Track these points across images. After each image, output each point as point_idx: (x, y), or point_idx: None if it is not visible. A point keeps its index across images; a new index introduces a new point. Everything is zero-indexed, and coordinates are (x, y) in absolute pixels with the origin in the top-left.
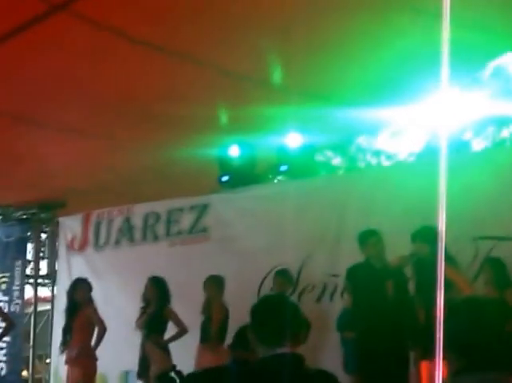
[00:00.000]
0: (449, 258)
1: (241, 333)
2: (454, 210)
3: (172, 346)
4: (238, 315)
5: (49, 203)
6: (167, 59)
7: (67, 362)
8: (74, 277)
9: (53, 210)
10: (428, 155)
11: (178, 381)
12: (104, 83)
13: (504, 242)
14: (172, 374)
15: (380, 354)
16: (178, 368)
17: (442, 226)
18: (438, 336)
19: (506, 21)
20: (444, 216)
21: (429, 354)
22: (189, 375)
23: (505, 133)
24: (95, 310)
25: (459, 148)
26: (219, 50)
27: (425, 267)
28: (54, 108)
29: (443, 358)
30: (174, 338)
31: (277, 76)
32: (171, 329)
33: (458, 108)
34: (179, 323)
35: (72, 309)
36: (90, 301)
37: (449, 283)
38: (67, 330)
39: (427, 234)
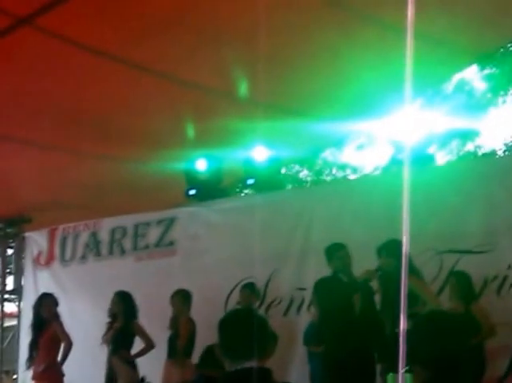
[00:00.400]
0: (415, 272)
1: (208, 352)
2: (418, 223)
3: (140, 361)
4: (205, 330)
5: (15, 219)
6: (132, 72)
7: (34, 378)
8: (40, 292)
9: (19, 225)
10: (393, 168)
11: None
12: (69, 97)
13: (468, 255)
14: None
15: (346, 368)
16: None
17: (406, 239)
18: (401, 349)
19: (468, 35)
20: (408, 230)
21: (395, 367)
22: None
23: (469, 146)
24: (61, 325)
25: (424, 161)
26: (185, 63)
27: (391, 281)
28: (17, 122)
29: (410, 371)
30: (141, 353)
31: (243, 89)
32: (138, 345)
33: (423, 121)
34: (145, 338)
35: (38, 325)
36: (56, 316)
37: (415, 296)
38: (33, 346)
39: (392, 248)
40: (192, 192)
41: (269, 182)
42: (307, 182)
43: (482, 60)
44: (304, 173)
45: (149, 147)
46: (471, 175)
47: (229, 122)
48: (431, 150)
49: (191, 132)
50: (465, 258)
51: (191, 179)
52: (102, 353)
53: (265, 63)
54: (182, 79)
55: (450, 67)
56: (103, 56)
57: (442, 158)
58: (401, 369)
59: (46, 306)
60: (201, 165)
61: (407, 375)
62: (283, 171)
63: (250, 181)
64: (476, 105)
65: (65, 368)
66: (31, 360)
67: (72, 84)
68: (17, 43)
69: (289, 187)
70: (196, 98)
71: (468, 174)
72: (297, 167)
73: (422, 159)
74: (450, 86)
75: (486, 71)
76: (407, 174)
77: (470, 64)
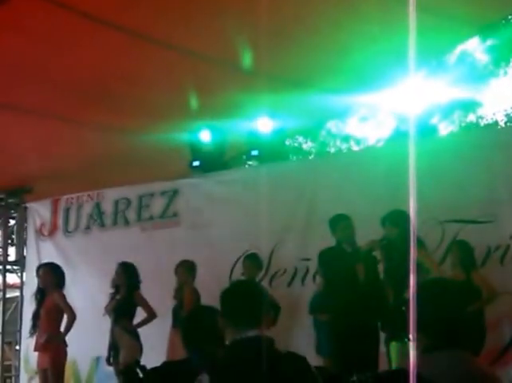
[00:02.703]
0: (418, 241)
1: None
2: (421, 193)
3: (146, 331)
4: (210, 301)
5: (16, 189)
6: (136, 42)
7: (36, 349)
8: None
9: (21, 195)
10: (397, 140)
11: (141, 375)
12: (69, 66)
13: (471, 225)
14: (137, 369)
15: (351, 335)
16: (150, 353)
17: (412, 209)
18: (411, 316)
19: (471, 7)
20: (414, 200)
21: (398, 335)
22: (152, 369)
23: (471, 117)
24: (63, 297)
25: (427, 132)
26: (190, 34)
27: (395, 250)
28: (17, 90)
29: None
30: (142, 323)
31: (247, 60)
32: (141, 315)
33: (426, 92)
34: (147, 308)
35: (39, 295)
36: (57, 286)
37: (419, 265)
38: (36, 316)
39: (396, 218)
40: (196, 164)
41: (273, 153)
42: (311, 153)
43: (484, 31)
44: (308, 145)
45: (152, 118)
46: (473, 146)
47: (233, 93)
48: (434, 121)
49: (194, 103)
50: (467, 227)
51: (195, 151)
52: (106, 324)
53: (268, 34)
54: (187, 50)
55: (452, 38)
56: (106, 26)
57: (444, 129)
58: (412, 336)
59: (43, 276)
60: (205, 137)
61: (410, 343)
62: (287, 142)
63: (254, 153)
64: (478, 76)
65: (69, 338)
66: (34, 328)
67: (73, 52)
68: (16, 11)
69: (293, 158)
70: (201, 69)
71: (470, 144)
72: (300, 139)
73: (425, 130)
74: (452, 57)
75: (488, 42)
76: (411, 145)
77: (473, 35)
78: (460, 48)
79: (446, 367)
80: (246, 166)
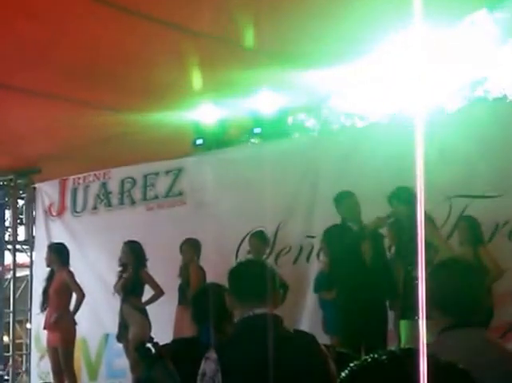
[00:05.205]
0: (426, 217)
1: None
2: (428, 169)
3: (153, 309)
4: (216, 279)
5: (24, 170)
6: (138, 22)
7: (46, 327)
8: None
9: (29, 176)
10: (402, 116)
11: (154, 351)
12: (76, 48)
13: (479, 200)
14: (149, 345)
15: (358, 314)
16: (157, 330)
17: (420, 186)
18: (421, 295)
19: None
20: (422, 176)
21: (408, 313)
22: (163, 345)
23: (479, 92)
24: (72, 275)
25: (434, 108)
26: (188, 11)
27: (403, 228)
28: (22, 71)
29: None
30: (150, 301)
31: (249, 37)
32: (149, 293)
33: (432, 67)
34: (154, 286)
35: (49, 274)
36: (64, 265)
37: (427, 243)
38: (45, 293)
39: (403, 195)
40: (199, 142)
41: (275, 131)
42: (314, 131)
43: (492, 3)
44: (311, 122)
45: (156, 97)
46: (482, 121)
47: (235, 71)
48: (441, 97)
49: (197, 81)
50: (475, 202)
51: (198, 130)
52: (115, 302)
53: (270, 10)
54: (187, 28)
55: (460, 11)
56: (108, 5)
57: (452, 104)
58: (422, 314)
59: (50, 256)
60: (208, 115)
61: (419, 321)
62: (290, 120)
63: (257, 130)
64: (486, 50)
65: (79, 316)
66: (44, 305)
67: (79, 35)
68: None
69: (296, 136)
70: (202, 47)
71: (478, 119)
72: (303, 116)
73: (432, 106)
74: (459, 30)
75: (496, 15)
76: (419, 121)
77: (481, 7)
78: (468, 20)
79: (467, 344)
80: (249, 144)
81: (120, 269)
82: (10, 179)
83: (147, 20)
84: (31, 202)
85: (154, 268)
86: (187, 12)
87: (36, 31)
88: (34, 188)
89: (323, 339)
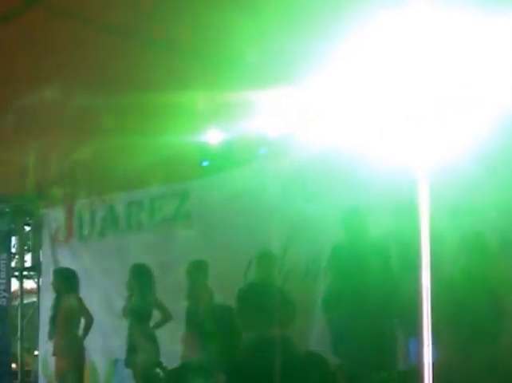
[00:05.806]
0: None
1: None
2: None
3: (158, 332)
4: (224, 300)
5: (31, 195)
6: (136, 45)
7: (54, 354)
8: None
9: (36, 202)
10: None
11: (162, 375)
12: (78, 72)
13: (484, 216)
14: (158, 370)
15: (366, 334)
16: (166, 352)
17: (424, 202)
18: (426, 312)
19: None
20: (427, 192)
21: (416, 332)
22: (171, 369)
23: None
24: (80, 300)
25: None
26: (187, 35)
27: (409, 244)
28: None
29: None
30: (159, 325)
31: (252, 59)
32: (157, 317)
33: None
34: (163, 310)
35: (56, 300)
36: (72, 290)
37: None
38: (53, 320)
39: (408, 211)
40: (205, 164)
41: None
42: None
43: None
44: None
45: (161, 120)
46: None
47: (240, 92)
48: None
49: (202, 103)
50: (483, 218)
51: (204, 151)
52: (123, 327)
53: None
54: (189, 52)
55: None
56: (108, 31)
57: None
58: (428, 332)
59: (57, 280)
60: (213, 137)
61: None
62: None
63: (263, 150)
64: None
65: (88, 341)
66: (52, 332)
67: (81, 60)
68: (27, 24)
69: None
70: (206, 72)
71: None
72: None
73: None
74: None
75: None
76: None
77: None
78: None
79: (486, 359)
80: (255, 164)
81: (128, 293)
82: (16, 206)
83: (146, 42)
84: (38, 228)
85: (162, 291)
86: (185, 36)
87: (41, 60)
88: (41, 214)
89: (332, 361)
